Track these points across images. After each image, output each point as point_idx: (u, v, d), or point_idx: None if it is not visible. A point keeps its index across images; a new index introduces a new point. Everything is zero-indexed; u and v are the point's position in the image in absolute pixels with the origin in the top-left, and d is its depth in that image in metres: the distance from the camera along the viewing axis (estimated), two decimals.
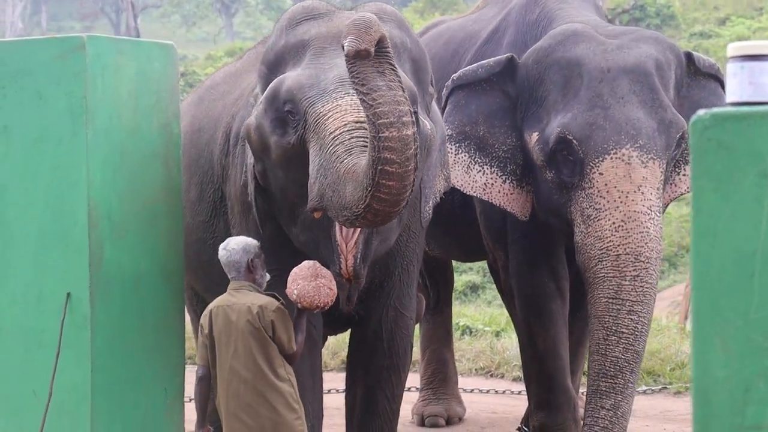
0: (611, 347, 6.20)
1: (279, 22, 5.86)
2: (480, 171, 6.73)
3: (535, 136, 6.54)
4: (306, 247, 5.73)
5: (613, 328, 6.19)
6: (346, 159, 5.06)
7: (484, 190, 6.73)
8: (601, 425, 6.21)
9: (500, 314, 13.26)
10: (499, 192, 6.73)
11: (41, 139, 5.69)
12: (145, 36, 41.92)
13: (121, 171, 5.75)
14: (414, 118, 4.89)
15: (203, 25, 57.40)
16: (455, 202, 7.20)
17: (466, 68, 6.90)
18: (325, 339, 6.89)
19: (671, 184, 6.71)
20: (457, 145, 6.73)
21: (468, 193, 6.77)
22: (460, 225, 7.51)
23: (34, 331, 5.68)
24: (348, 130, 5.15)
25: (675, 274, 19.12)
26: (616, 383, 6.22)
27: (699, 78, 6.77)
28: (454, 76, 6.83)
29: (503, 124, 6.77)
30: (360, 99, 4.82)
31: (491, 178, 6.72)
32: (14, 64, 5.77)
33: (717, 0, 33.78)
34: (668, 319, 13.77)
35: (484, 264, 18.63)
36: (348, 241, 5.50)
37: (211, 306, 5.57)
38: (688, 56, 6.70)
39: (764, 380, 2.35)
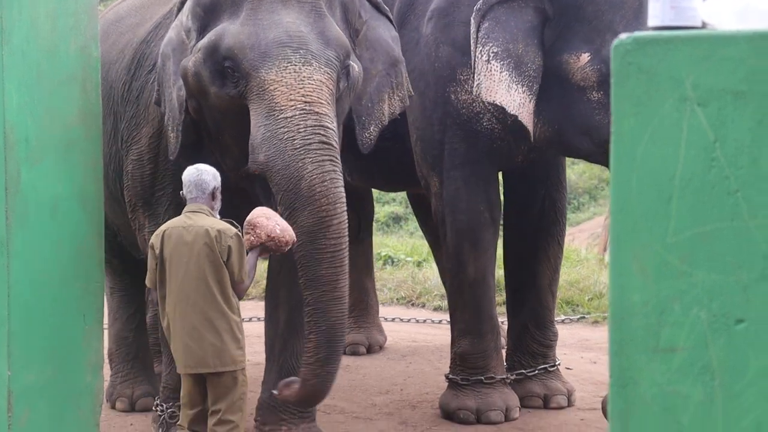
0: None
1: None
2: (516, 90, 6.66)
3: (585, 56, 6.50)
4: (235, 175, 6.11)
5: None
6: (303, 157, 5.59)
7: (519, 109, 6.65)
8: None
9: (422, 245, 13.33)
10: (528, 112, 6.66)
11: None
12: None
13: (38, 93, 5.67)
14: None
15: None
16: (385, 134, 7.20)
17: None
18: None
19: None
20: (501, 63, 6.66)
21: (510, 112, 6.65)
22: (390, 156, 7.49)
23: None
24: (299, 115, 5.62)
25: (595, 206, 19.32)
26: None
27: None
28: None
29: (533, 43, 6.71)
30: None
31: (524, 98, 6.66)
32: None
33: None
34: (587, 251, 13.92)
35: (406, 195, 18.71)
36: None
37: (163, 227, 5.65)
38: None
39: (679, 303, 2.38)
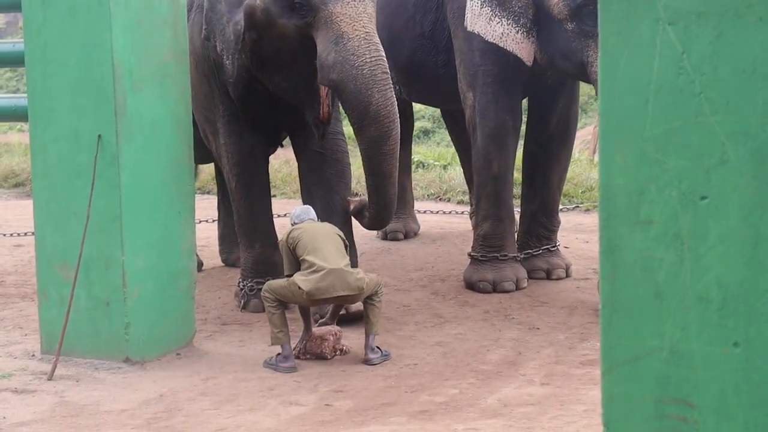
0: None
1: None
2: (499, 23, 6.80)
3: None
4: (283, 91, 6.42)
5: None
6: (372, 86, 5.84)
7: (501, 38, 6.82)
8: None
9: (446, 152, 13.32)
10: (512, 41, 6.80)
11: (73, 8, 5.60)
12: None
13: (138, 35, 5.68)
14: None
15: None
16: (438, 62, 7.38)
17: None
18: (266, 158, 7.20)
19: None
20: (482, 0, 6.84)
21: (489, 40, 6.86)
22: (441, 80, 7.58)
23: (73, 164, 5.67)
24: (364, 45, 5.85)
25: (585, 117, 19.12)
26: None
27: None
28: None
29: None
30: None
31: (507, 29, 6.78)
32: None
33: None
34: (580, 154, 13.84)
35: (434, 112, 18.57)
36: (325, 93, 6.21)
37: None
38: None
39: (655, 185, 2.38)
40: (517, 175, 8.02)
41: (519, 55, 6.77)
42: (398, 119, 6.04)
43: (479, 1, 6.85)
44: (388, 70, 5.95)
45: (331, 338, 5.84)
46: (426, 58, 7.70)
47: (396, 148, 6.08)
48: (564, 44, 6.56)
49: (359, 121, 5.97)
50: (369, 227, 6.66)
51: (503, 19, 6.76)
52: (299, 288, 5.54)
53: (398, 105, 8.95)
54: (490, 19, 6.82)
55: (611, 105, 2.43)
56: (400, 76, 8.26)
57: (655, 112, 2.37)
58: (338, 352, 5.87)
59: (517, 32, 6.76)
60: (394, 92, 5.99)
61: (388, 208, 6.29)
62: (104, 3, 5.51)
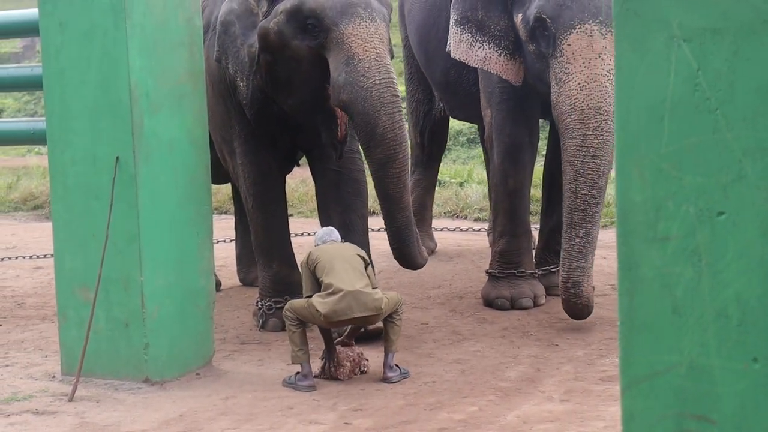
0: (580, 186, 6.27)
1: None
2: (480, 47, 6.90)
3: (519, 16, 6.63)
4: (299, 112, 6.46)
5: (581, 170, 6.26)
6: (379, 108, 5.85)
7: (483, 62, 6.91)
8: (577, 250, 6.32)
9: (463, 169, 13.32)
10: (495, 63, 6.89)
11: (90, 31, 5.64)
12: None
13: (155, 57, 5.71)
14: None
15: None
16: (471, 80, 7.46)
17: None
18: (283, 177, 7.19)
19: None
20: (461, 27, 6.94)
21: (471, 65, 7.00)
22: (475, 98, 7.62)
23: (91, 186, 5.69)
24: (374, 66, 5.87)
25: None
26: (585, 215, 6.30)
27: None
28: None
29: (497, 9, 6.87)
30: None
31: (489, 53, 6.87)
32: None
33: None
34: None
35: (452, 131, 18.59)
36: (342, 115, 6.25)
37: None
38: None
39: (672, 201, 2.38)
40: (537, 192, 8.03)
41: (505, 77, 6.87)
42: (406, 143, 6.06)
43: (459, 28, 6.93)
44: (398, 93, 5.98)
45: (348, 364, 5.83)
46: (459, 76, 7.78)
47: (403, 172, 6.08)
48: (533, 66, 6.69)
49: (366, 143, 6.02)
50: (398, 261, 6.55)
51: (484, 44, 6.87)
52: (317, 310, 5.55)
53: (433, 125, 9.15)
54: (471, 44, 6.91)
55: (627, 122, 2.44)
56: (441, 94, 8.39)
57: (671, 128, 2.37)
58: (359, 374, 5.87)
59: (500, 55, 6.86)
60: (402, 115, 6.02)
61: (400, 234, 6.24)
62: (121, 26, 5.55)
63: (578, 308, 6.43)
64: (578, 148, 6.26)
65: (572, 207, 6.32)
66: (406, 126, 6.02)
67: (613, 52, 6.13)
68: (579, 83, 6.22)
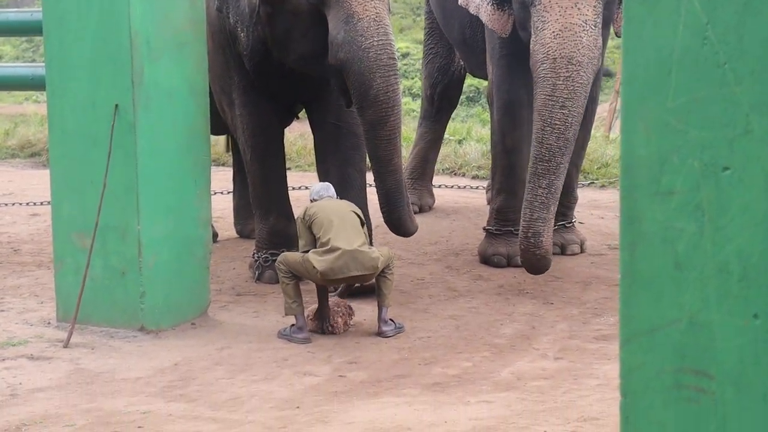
0: (546, 136, 6.17)
1: None
2: None
3: None
4: (296, 65, 6.39)
5: (548, 120, 6.16)
6: (375, 71, 5.80)
7: (476, 9, 6.96)
8: (539, 201, 6.21)
9: (462, 127, 13.28)
10: (484, 12, 6.91)
11: None
12: None
13: (156, 4, 5.66)
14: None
15: None
16: (484, 38, 7.53)
17: None
18: (282, 130, 7.15)
19: (616, 19, 6.69)
20: None
21: (470, 11, 7.09)
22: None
23: (90, 133, 5.67)
24: (373, 27, 5.80)
25: (601, 95, 19.06)
26: (550, 166, 6.18)
27: None
28: None
29: None
30: None
31: (480, 1, 6.93)
32: None
33: None
34: (595, 130, 13.78)
35: None
36: None
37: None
38: None
39: (677, 155, 2.36)
40: None
41: (492, 27, 6.86)
42: (399, 106, 6.01)
43: None
44: (395, 55, 5.92)
45: (340, 320, 5.81)
46: (474, 34, 7.76)
47: (394, 135, 6.02)
48: (519, 16, 6.66)
49: (360, 103, 5.95)
50: (387, 225, 6.44)
51: None
52: (314, 267, 5.54)
53: (449, 81, 9.15)
54: None
55: (634, 75, 2.41)
56: (460, 52, 8.39)
57: (679, 82, 2.34)
58: (349, 328, 5.87)
59: (488, 4, 6.85)
60: (398, 78, 5.97)
61: (389, 197, 6.18)
62: None
63: (536, 259, 6.27)
64: (548, 97, 6.15)
65: (537, 157, 6.21)
66: (401, 88, 6.00)
67: (591, 3, 6.17)
68: (553, 32, 6.15)
